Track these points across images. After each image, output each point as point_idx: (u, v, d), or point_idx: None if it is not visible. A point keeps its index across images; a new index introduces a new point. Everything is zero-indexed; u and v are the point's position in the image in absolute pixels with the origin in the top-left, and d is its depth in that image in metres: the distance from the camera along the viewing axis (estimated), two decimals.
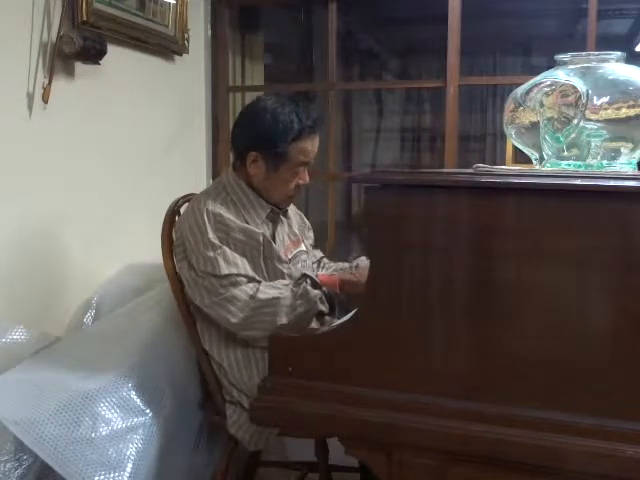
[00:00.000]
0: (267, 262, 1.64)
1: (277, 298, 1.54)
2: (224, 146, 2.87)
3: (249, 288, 1.55)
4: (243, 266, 1.57)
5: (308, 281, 1.58)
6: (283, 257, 1.68)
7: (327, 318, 1.64)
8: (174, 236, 1.69)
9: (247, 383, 1.61)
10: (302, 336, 1.31)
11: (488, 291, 1.15)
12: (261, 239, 1.61)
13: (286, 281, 1.62)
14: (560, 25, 3.95)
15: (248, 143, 1.65)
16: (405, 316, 1.20)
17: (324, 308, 1.60)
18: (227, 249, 1.56)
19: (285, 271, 1.66)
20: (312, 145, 1.66)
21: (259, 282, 1.58)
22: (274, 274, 1.65)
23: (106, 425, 1.48)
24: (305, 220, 1.95)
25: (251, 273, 1.57)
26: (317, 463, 1.86)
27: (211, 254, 1.55)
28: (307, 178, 1.70)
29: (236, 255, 1.57)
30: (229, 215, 1.60)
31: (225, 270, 1.54)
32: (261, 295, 1.54)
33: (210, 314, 1.59)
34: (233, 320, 1.54)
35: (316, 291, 1.57)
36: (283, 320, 1.52)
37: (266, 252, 1.63)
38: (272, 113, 1.61)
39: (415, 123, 5.14)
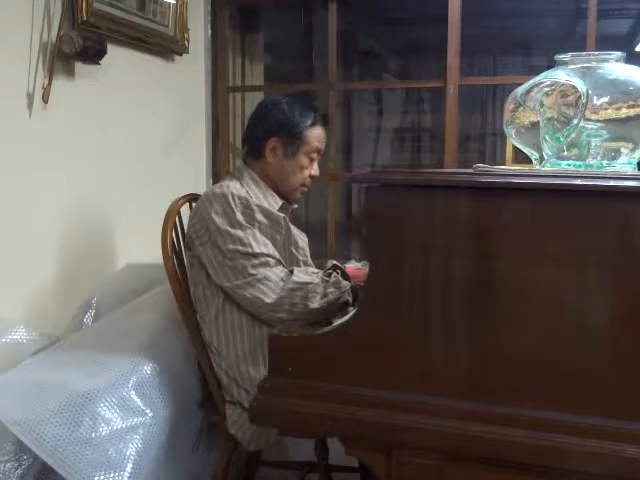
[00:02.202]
0: (285, 247, 1.70)
1: (310, 283, 1.58)
2: (224, 146, 2.88)
3: (279, 270, 1.59)
4: (272, 248, 1.62)
5: (338, 271, 1.64)
6: (300, 243, 1.74)
7: (350, 309, 1.66)
8: (189, 222, 1.70)
9: (253, 378, 1.61)
10: (302, 336, 1.31)
11: (488, 291, 1.14)
12: (282, 222, 1.67)
13: (314, 269, 1.67)
14: (560, 25, 3.94)
15: (267, 130, 1.72)
16: (405, 316, 1.20)
17: (350, 299, 1.63)
18: (255, 230, 1.61)
19: (301, 258, 1.72)
20: (323, 134, 1.77)
21: (283, 266, 1.62)
22: (290, 260, 1.69)
23: (106, 425, 1.48)
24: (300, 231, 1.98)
25: (278, 256, 1.62)
26: (317, 463, 1.86)
27: (241, 233, 1.58)
28: (318, 170, 1.78)
29: (263, 237, 1.62)
30: (251, 198, 1.65)
31: (257, 249, 1.58)
32: (296, 278, 1.57)
33: (240, 295, 1.59)
34: (267, 300, 1.56)
35: (346, 282, 1.63)
36: (314, 305, 1.56)
37: (285, 237, 1.69)
38: (287, 102, 1.73)
39: (415, 123, 5.14)
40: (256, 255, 1.57)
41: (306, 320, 1.57)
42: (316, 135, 1.73)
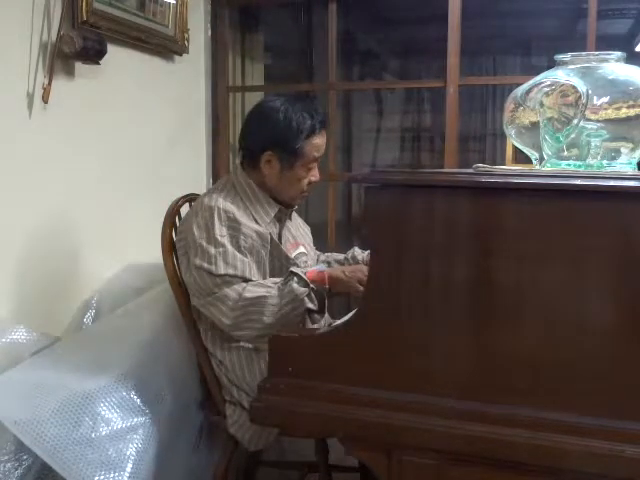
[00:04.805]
0: (274, 261, 1.66)
1: (264, 297, 1.52)
2: (224, 146, 2.87)
3: (241, 287, 1.54)
4: (242, 268, 1.56)
5: (295, 279, 1.55)
6: (290, 256, 1.69)
7: (316, 316, 1.63)
8: (178, 230, 1.69)
9: (249, 382, 1.61)
10: (302, 336, 1.31)
11: (488, 291, 1.15)
12: (269, 239, 1.63)
13: (277, 279, 1.60)
14: (560, 25, 3.94)
15: (262, 144, 1.66)
16: (405, 316, 1.20)
17: (312, 306, 1.57)
18: (230, 249, 1.56)
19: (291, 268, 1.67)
20: (323, 140, 1.70)
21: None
22: (280, 272, 1.66)
23: (106, 425, 1.48)
24: (303, 222, 1.96)
25: (248, 275, 1.56)
26: (317, 463, 1.86)
27: (212, 251, 1.55)
28: (318, 175, 1.72)
29: (237, 255, 1.56)
30: (240, 213, 1.61)
31: (222, 270, 1.54)
32: (247, 294, 1.53)
33: (205, 314, 1.60)
34: (226, 321, 1.54)
35: (303, 289, 1.54)
36: (270, 320, 1.51)
37: (273, 251, 1.65)
38: (284, 112, 1.64)
39: (415, 123, 5.13)
40: (220, 275, 1.53)
41: (270, 334, 1.48)
42: (314, 146, 1.66)
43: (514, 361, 1.13)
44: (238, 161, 1.78)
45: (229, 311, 1.53)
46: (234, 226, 1.58)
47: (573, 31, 3.73)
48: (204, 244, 1.55)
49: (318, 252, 1.99)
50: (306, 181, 1.70)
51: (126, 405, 1.54)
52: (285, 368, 1.27)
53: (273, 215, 1.69)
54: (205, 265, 1.54)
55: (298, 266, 1.69)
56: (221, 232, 1.56)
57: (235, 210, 1.61)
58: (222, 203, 1.60)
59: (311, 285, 1.56)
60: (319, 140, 1.68)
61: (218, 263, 1.54)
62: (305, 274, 1.58)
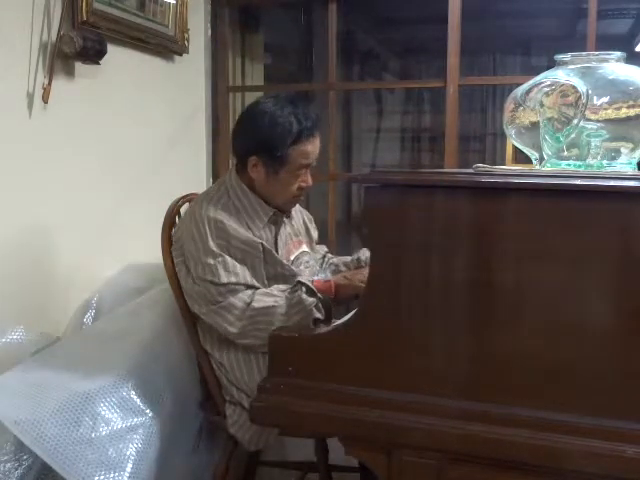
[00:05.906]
0: (268, 268, 1.63)
1: (273, 307, 1.52)
2: (224, 146, 2.87)
3: (247, 295, 1.54)
4: (243, 274, 1.56)
5: (303, 289, 1.55)
6: (285, 263, 1.67)
7: (322, 325, 1.61)
8: (173, 237, 1.69)
9: (248, 383, 1.61)
10: (302, 336, 1.31)
11: (488, 291, 1.14)
12: (261, 248, 1.61)
13: (283, 287, 1.59)
14: (560, 25, 3.95)
15: (247, 148, 1.64)
16: (405, 316, 1.20)
17: (320, 315, 1.56)
18: (227, 257, 1.55)
19: (287, 274, 1.65)
20: (312, 147, 1.64)
21: (257, 288, 1.57)
22: (275, 279, 1.64)
23: (106, 425, 1.48)
24: (308, 215, 1.93)
25: (250, 281, 1.56)
26: (317, 463, 1.86)
27: (211, 261, 1.54)
28: (309, 180, 1.68)
29: (236, 264, 1.56)
30: (230, 222, 1.59)
31: (224, 279, 1.53)
32: (256, 304, 1.53)
33: (208, 321, 1.59)
34: (231, 329, 1.54)
35: (311, 299, 1.54)
36: None
37: (267, 259, 1.62)
38: (270, 116, 1.59)
39: (415, 123, 5.14)
40: (224, 285, 1.53)
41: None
42: (301, 152, 1.61)
43: (514, 361, 1.13)
44: (232, 167, 1.75)
45: (236, 320, 1.53)
46: (225, 237, 1.56)
47: (573, 31, 3.74)
48: (202, 257, 1.55)
49: (329, 255, 1.98)
50: (295, 187, 1.66)
51: (126, 405, 1.54)
52: (285, 368, 1.27)
53: (267, 220, 1.67)
54: (208, 277, 1.54)
55: (293, 272, 1.66)
56: (214, 242, 1.55)
57: (226, 219, 1.58)
58: (213, 212, 1.58)
59: (318, 295, 1.55)
60: (307, 147, 1.62)
61: (220, 272, 1.53)
62: (312, 283, 1.57)
